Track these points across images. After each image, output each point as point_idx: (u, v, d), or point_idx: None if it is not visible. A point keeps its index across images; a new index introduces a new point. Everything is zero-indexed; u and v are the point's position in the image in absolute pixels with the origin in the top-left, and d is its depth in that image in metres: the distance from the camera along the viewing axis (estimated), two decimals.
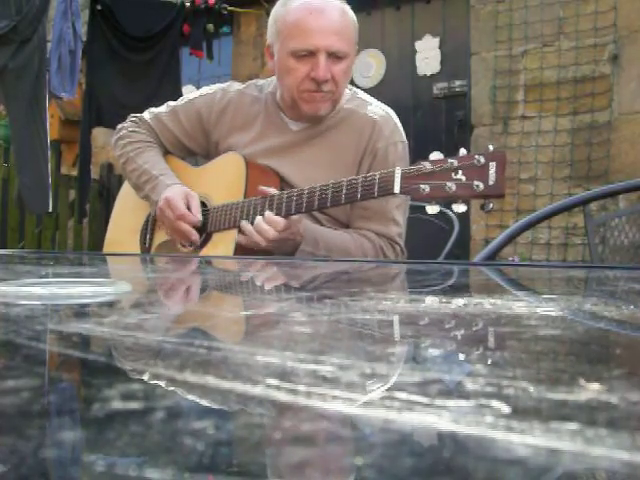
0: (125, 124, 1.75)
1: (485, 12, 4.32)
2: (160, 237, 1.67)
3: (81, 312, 0.50)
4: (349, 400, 0.24)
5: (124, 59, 4.62)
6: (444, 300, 0.58)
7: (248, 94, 1.66)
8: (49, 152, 4.25)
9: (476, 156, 1.20)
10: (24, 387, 0.25)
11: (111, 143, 1.80)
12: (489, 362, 0.33)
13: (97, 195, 5.40)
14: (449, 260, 1.81)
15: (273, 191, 1.45)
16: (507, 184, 1.23)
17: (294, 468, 0.18)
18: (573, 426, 0.20)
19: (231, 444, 0.20)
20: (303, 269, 1.08)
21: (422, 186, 1.23)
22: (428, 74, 4.58)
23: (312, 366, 0.29)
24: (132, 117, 1.76)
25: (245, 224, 1.44)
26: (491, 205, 1.23)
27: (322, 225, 1.55)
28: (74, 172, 5.34)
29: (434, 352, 0.36)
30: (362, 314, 0.48)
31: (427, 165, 1.24)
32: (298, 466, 0.18)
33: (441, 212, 1.74)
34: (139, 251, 1.71)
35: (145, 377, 0.29)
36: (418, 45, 4.62)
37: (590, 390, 0.25)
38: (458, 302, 0.56)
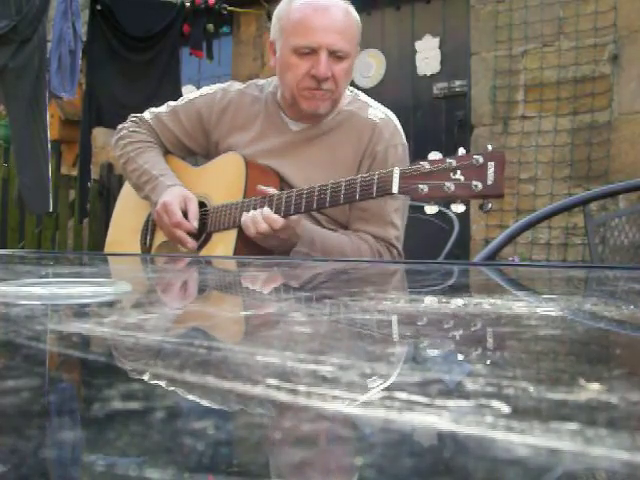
0: (125, 124, 1.75)
1: (485, 12, 4.32)
2: (160, 237, 1.67)
3: (81, 312, 0.50)
4: (349, 400, 0.24)
5: (124, 59, 4.62)
6: (444, 300, 0.58)
7: (248, 94, 1.66)
8: (49, 152, 4.25)
9: (475, 156, 1.20)
10: (24, 387, 0.25)
11: (111, 143, 1.80)
12: (489, 362, 0.33)
13: (97, 195, 5.40)
14: (449, 260, 1.81)
15: (272, 191, 1.45)
16: (507, 184, 1.23)
17: (294, 468, 0.18)
18: (573, 426, 0.20)
19: (231, 444, 0.20)
20: (303, 269, 1.08)
21: (420, 186, 1.23)
22: (428, 74, 4.58)
23: (312, 366, 0.29)
24: (132, 117, 1.76)
25: (245, 215, 1.45)
26: (490, 205, 1.22)
27: (321, 225, 1.55)
28: (74, 172, 5.34)
29: (434, 352, 0.36)
30: (362, 314, 0.48)
31: (425, 165, 1.24)
32: (298, 466, 0.18)
33: (441, 212, 1.74)
34: (140, 251, 1.71)
35: (145, 377, 0.29)
36: (418, 45, 4.62)
37: (590, 390, 0.25)
38: (458, 302, 0.56)
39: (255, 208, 1.45)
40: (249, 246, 1.47)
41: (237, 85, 1.70)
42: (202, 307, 0.61)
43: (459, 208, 1.24)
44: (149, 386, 0.27)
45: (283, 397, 0.24)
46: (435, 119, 4.54)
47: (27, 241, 5.15)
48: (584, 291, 0.78)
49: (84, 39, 4.50)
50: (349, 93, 1.63)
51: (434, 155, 1.25)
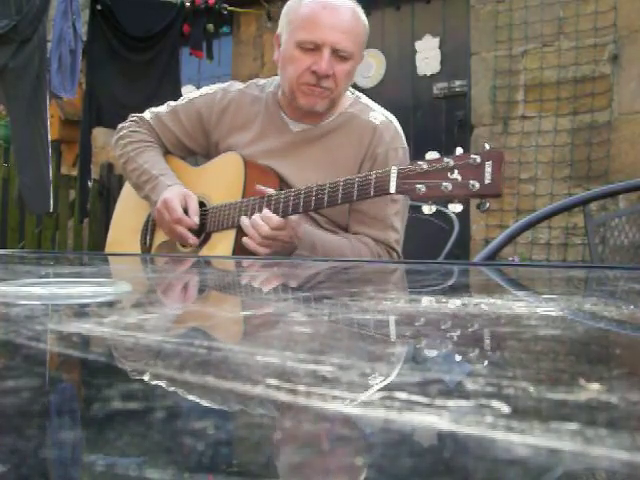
0: (125, 124, 1.75)
1: (485, 12, 4.32)
2: (160, 237, 1.67)
3: (81, 312, 0.50)
4: (349, 400, 0.24)
5: (124, 59, 4.62)
6: (444, 300, 0.58)
7: (249, 94, 1.66)
8: (50, 152, 4.25)
9: (472, 155, 1.20)
10: (24, 387, 0.25)
11: (111, 143, 1.80)
12: (489, 362, 0.33)
13: (97, 195, 5.41)
14: (449, 260, 1.81)
15: (271, 191, 1.45)
16: (507, 184, 1.23)
17: (294, 468, 0.18)
18: (573, 426, 0.20)
19: (231, 444, 0.20)
20: (303, 269, 1.08)
21: (418, 186, 1.23)
22: (428, 74, 4.58)
23: (312, 366, 0.29)
24: (132, 117, 1.76)
25: (244, 219, 1.45)
26: (487, 205, 1.22)
27: (321, 227, 1.55)
28: (74, 172, 5.34)
29: (434, 352, 0.36)
30: (362, 314, 0.48)
31: (423, 164, 1.23)
32: (298, 466, 0.18)
33: (441, 212, 1.74)
34: (140, 251, 1.71)
35: (145, 377, 0.29)
36: (418, 45, 4.62)
37: (590, 390, 0.25)
38: (458, 302, 0.56)
39: (254, 208, 1.45)
40: None
41: (237, 85, 1.70)
42: (202, 307, 0.61)
43: (457, 208, 1.24)
44: (149, 386, 0.27)
45: (283, 397, 0.24)
46: (435, 119, 4.54)
47: (27, 241, 5.15)
48: (584, 291, 0.78)
49: (84, 39, 4.51)
50: (350, 95, 1.63)
51: (432, 155, 1.25)
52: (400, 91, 4.60)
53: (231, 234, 1.50)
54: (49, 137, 4.24)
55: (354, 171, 1.53)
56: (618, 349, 0.40)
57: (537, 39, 4.13)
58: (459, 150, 1.23)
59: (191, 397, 0.25)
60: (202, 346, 0.36)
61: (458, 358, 0.35)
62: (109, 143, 2.37)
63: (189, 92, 1.84)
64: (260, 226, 1.41)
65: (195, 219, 1.54)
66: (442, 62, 4.54)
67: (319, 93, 1.51)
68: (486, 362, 0.33)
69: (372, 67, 4.71)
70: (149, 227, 1.71)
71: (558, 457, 0.18)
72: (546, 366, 0.33)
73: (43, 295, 0.54)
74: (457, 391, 0.26)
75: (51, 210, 4.51)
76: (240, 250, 1.48)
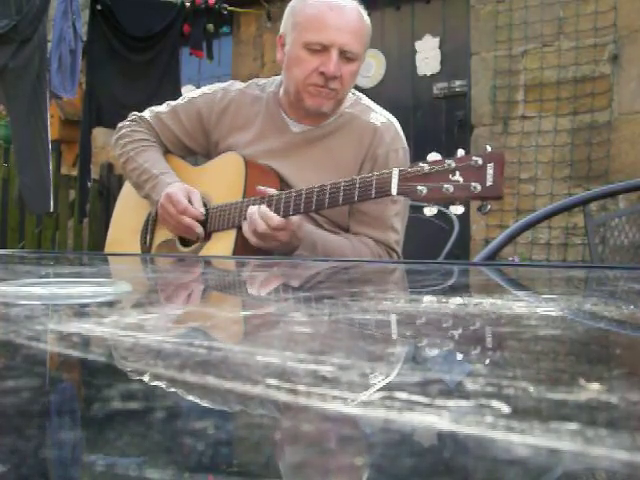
0: (125, 123, 1.75)
1: (485, 12, 4.32)
2: (160, 237, 1.67)
3: (81, 312, 0.50)
4: (349, 400, 0.24)
5: (124, 59, 4.62)
6: (444, 300, 0.58)
7: (249, 93, 1.66)
8: (50, 152, 4.25)
9: (474, 157, 1.20)
10: (24, 387, 0.25)
11: (111, 143, 1.80)
12: (489, 362, 0.33)
13: (97, 195, 5.41)
14: (449, 260, 1.81)
15: (272, 191, 1.45)
16: (507, 184, 1.23)
17: (294, 468, 0.18)
18: (573, 426, 0.20)
19: (231, 444, 0.20)
20: (303, 269, 1.08)
21: (419, 187, 1.23)
22: (428, 74, 4.58)
23: (312, 366, 0.29)
24: (132, 116, 1.76)
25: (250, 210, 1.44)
26: (488, 207, 1.22)
27: (321, 228, 1.55)
28: (74, 172, 5.34)
29: (434, 352, 0.36)
30: (362, 314, 0.48)
31: (425, 166, 1.23)
32: (298, 466, 0.18)
33: (441, 212, 1.74)
34: (140, 251, 1.71)
35: (145, 377, 0.29)
36: (418, 45, 4.62)
37: (590, 390, 0.25)
38: (458, 302, 0.56)
39: None
40: (248, 246, 1.47)
41: (238, 85, 1.69)
42: (202, 307, 0.61)
43: (458, 209, 1.24)
44: (149, 386, 0.27)
45: (283, 397, 0.24)
46: (435, 119, 4.54)
47: (27, 241, 5.15)
48: (584, 291, 0.78)
49: (84, 39, 4.51)
50: (351, 95, 1.63)
51: (433, 156, 1.25)
52: (400, 91, 4.60)
53: (232, 234, 1.50)
54: (49, 137, 4.24)
55: (354, 172, 1.53)
56: (618, 349, 0.40)
57: (537, 39, 4.13)
58: (460, 152, 1.23)
59: (191, 397, 0.25)
60: (202, 346, 0.36)
61: (458, 358, 0.35)
62: (109, 143, 2.37)
63: (189, 92, 1.84)
64: (257, 223, 1.40)
65: (201, 209, 1.54)
66: (442, 62, 4.54)
67: (326, 94, 1.51)
68: (486, 362, 0.33)
69: (372, 67, 4.71)
70: (149, 227, 1.71)
71: (558, 457, 0.18)
72: (546, 366, 0.33)
73: (43, 295, 0.54)
74: (457, 391, 0.26)
75: (51, 210, 4.51)
76: (240, 250, 1.48)
